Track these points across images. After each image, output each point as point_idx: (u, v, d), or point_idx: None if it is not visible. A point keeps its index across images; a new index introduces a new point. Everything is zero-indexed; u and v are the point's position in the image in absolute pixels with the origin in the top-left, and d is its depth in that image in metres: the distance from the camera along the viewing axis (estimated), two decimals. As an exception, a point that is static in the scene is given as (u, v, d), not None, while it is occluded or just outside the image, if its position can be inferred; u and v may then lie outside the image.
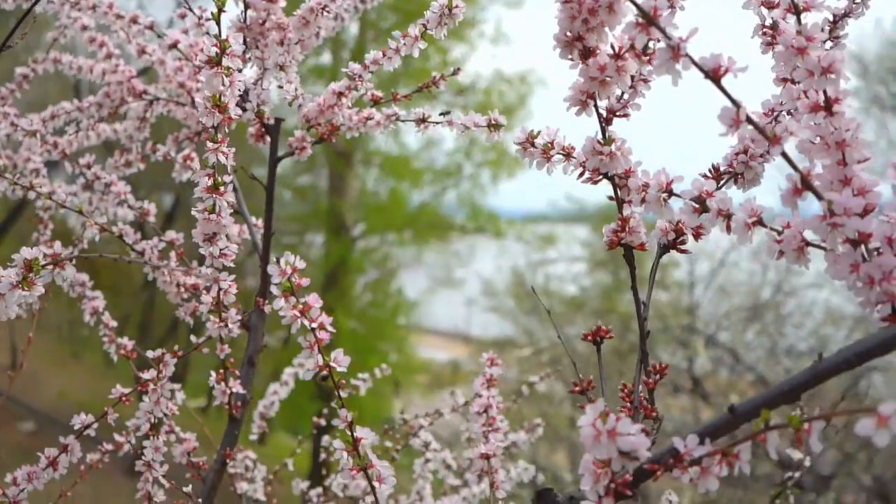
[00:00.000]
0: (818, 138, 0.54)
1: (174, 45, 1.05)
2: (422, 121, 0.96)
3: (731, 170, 0.69)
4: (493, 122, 0.82)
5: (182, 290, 1.03)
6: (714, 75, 0.51)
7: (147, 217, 1.08)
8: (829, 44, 0.72)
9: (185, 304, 1.04)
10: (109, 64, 1.21)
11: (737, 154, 0.69)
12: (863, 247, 0.53)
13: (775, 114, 0.69)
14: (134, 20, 1.11)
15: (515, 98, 10.53)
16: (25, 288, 0.68)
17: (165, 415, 0.98)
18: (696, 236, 0.68)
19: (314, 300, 0.63)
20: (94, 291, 1.12)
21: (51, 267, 0.67)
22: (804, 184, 0.52)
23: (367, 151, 12.27)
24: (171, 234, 1.06)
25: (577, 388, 0.68)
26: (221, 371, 0.97)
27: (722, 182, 0.70)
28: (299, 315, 0.62)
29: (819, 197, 0.52)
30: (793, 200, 0.53)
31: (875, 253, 0.52)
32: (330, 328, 0.63)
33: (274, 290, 0.62)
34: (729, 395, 6.37)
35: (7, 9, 1.19)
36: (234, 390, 0.98)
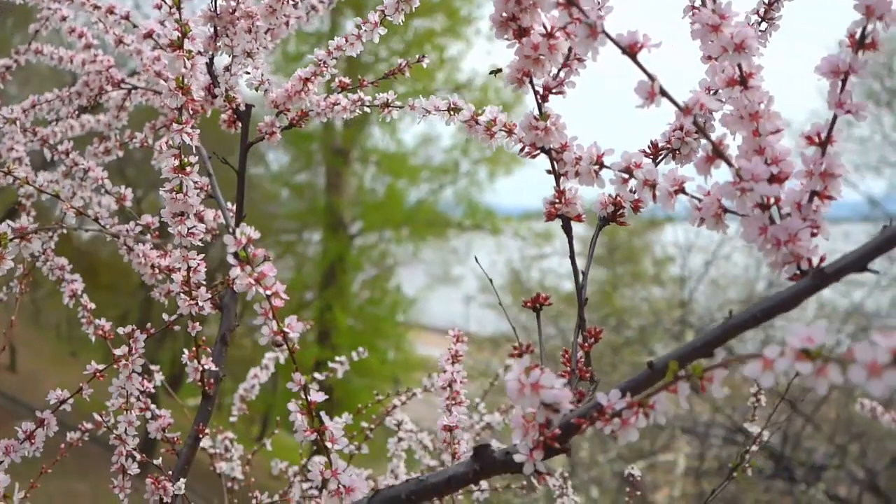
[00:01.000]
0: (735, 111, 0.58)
1: (149, 35, 1.08)
2: (385, 105, 1.00)
3: (668, 146, 0.73)
4: (452, 106, 0.86)
5: (156, 271, 1.06)
6: (630, 51, 0.55)
7: (124, 202, 1.12)
8: (763, 24, 0.76)
9: (160, 284, 1.07)
10: (88, 54, 1.24)
11: (674, 130, 0.72)
12: (775, 211, 0.56)
13: (711, 92, 0.73)
14: (110, 10, 1.14)
15: (511, 94, 10.55)
16: (-5, 261, 0.71)
17: (141, 391, 1.02)
18: (636, 209, 0.71)
19: (269, 269, 0.66)
20: (73, 275, 1.16)
21: (17, 240, 0.71)
22: (716, 152, 0.55)
23: (365, 149, 12.31)
24: (146, 218, 1.09)
25: (516, 353, 0.72)
26: (194, 349, 1.00)
27: (660, 157, 0.73)
28: (254, 283, 0.65)
29: (729, 164, 0.55)
30: (706, 168, 0.56)
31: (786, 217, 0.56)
32: (284, 296, 0.66)
33: (230, 259, 0.65)
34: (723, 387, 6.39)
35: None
36: (206, 367, 1.01)
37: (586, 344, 0.68)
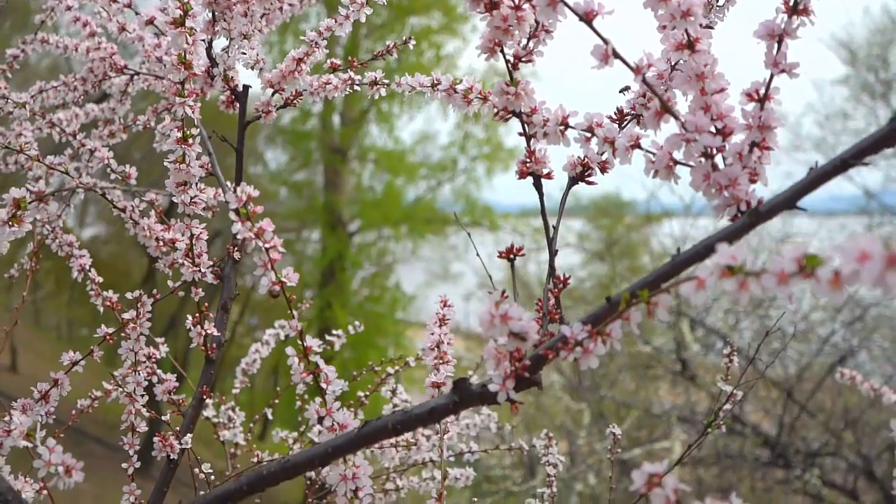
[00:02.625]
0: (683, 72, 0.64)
1: (150, 22, 1.15)
2: (374, 83, 1.06)
3: (633, 111, 0.79)
4: (434, 82, 0.92)
5: (161, 244, 1.12)
6: (587, 18, 0.61)
7: (129, 180, 1.18)
8: (721, 0, 0.82)
9: (164, 256, 1.13)
10: (93, 42, 1.31)
11: (637, 98, 0.79)
12: (720, 161, 0.63)
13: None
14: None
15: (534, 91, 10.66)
16: (14, 223, 0.77)
17: (147, 357, 1.08)
18: (602, 170, 0.77)
19: (267, 224, 0.73)
20: (81, 251, 1.22)
21: (36, 203, 0.77)
22: (664, 107, 0.61)
23: (363, 147, 12.37)
24: (150, 195, 1.15)
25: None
26: (197, 315, 1.06)
27: (626, 122, 0.79)
28: (254, 237, 0.72)
29: (676, 118, 0.61)
30: (655, 122, 0.62)
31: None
32: (281, 249, 0.73)
33: (232, 214, 0.72)
34: (717, 377, 6.48)
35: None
36: (209, 332, 1.08)
37: (556, 290, 0.74)
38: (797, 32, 0.62)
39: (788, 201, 0.57)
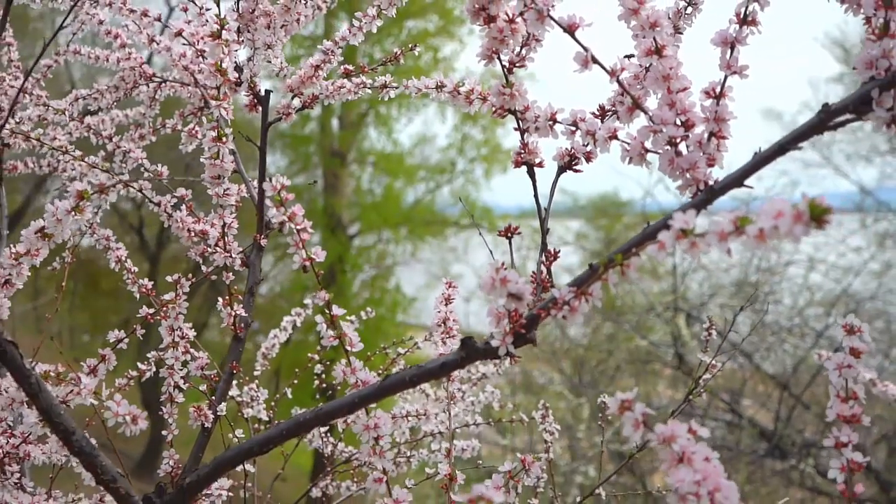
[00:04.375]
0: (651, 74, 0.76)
1: (179, 33, 1.27)
2: (384, 86, 1.18)
3: (612, 108, 0.91)
4: (439, 84, 1.04)
5: (192, 234, 1.24)
6: (570, 30, 0.73)
7: (161, 177, 1.30)
8: (689, 8, 0.94)
9: (195, 245, 1.25)
10: (123, 52, 1.43)
11: (616, 96, 0.90)
12: (683, 148, 0.75)
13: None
14: (144, 14, 1.32)
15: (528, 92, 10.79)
16: (77, 213, 0.89)
17: (182, 335, 1.20)
18: (587, 159, 0.89)
19: (298, 209, 0.84)
20: (118, 243, 1.34)
21: (98, 193, 0.89)
22: (635, 104, 0.73)
23: (361, 151, 12.49)
24: (181, 191, 1.27)
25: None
26: (227, 297, 1.18)
27: (607, 117, 0.91)
28: (287, 220, 0.84)
29: (646, 113, 0.73)
30: (628, 116, 0.74)
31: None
32: (310, 230, 0.85)
33: (268, 201, 0.83)
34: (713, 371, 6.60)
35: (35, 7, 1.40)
36: (238, 314, 1.19)
37: (547, 262, 0.86)
38: (746, 40, 0.74)
39: (737, 181, 0.69)
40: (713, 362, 1.34)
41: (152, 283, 1.25)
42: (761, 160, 0.68)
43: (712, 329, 1.42)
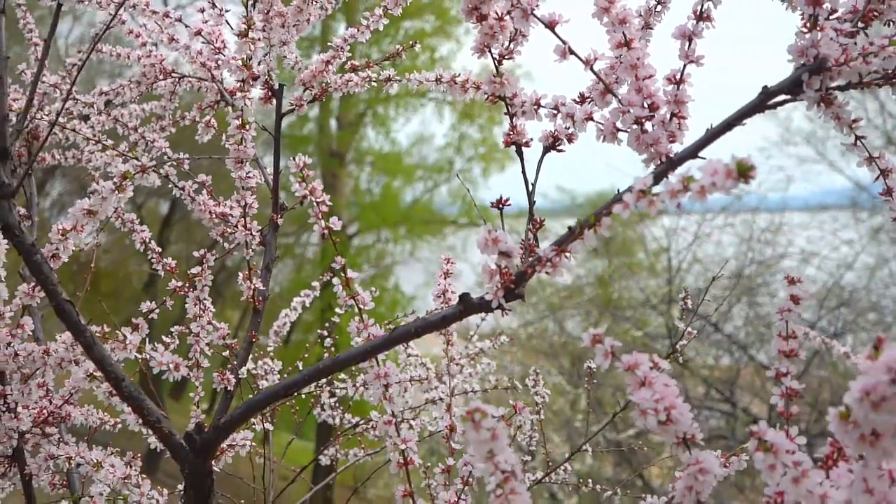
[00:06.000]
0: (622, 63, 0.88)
1: (198, 33, 1.39)
2: (388, 80, 1.30)
3: (591, 95, 1.03)
4: (438, 77, 1.16)
5: (213, 216, 1.36)
6: (551, 25, 0.85)
7: (182, 165, 1.41)
8: (659, 6, 1.06)
9: (216, 226, 1.37)
10: (144, 50, 1.54)
11: (594, 84, 1.02)
12: (649, 126, 0.87)
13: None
14: (166, 15, 1.44)
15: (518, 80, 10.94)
16: (120, 192, 1.01)
17: (204, 308, 1.32)
18: (569, 140, 1.01)
19: (318, 184, 0.97)
20: (142, 226, 1.46)
21: (140, 174, 1.01)
22: (606, 89, 0.86)
23: (359, 151, 12.60)
24: (202, 177, 1.39)
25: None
26: (247, 272, 1.30)
27: (587, 102, 1.03)
28: (308, 194, 0.96)
29: (615, 96, 0.85)
30: (601, 100, 0.86)
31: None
32: (328, 203, 0.97)
33: (292, 178, 0.95)
34: (707, 360, 6.75)
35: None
36: (256, 287, 1.31)
37: (534, 229, 0.98)
38: (702, 33, 0.86)
39: (692, 153, 0.81)
40: (689, 330, 1.46)
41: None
42: (712, 135, 0.80)
43: (688, 300, 1.54)
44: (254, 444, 1.38)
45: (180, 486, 1.41)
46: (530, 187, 1.00)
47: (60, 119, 1.44)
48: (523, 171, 0.99)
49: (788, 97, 0.79)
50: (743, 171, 0.62)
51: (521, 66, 10.38)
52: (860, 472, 0.63)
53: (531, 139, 0.98)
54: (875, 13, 0.82)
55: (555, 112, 0.93)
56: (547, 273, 0.86)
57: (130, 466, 1.10)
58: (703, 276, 7.93)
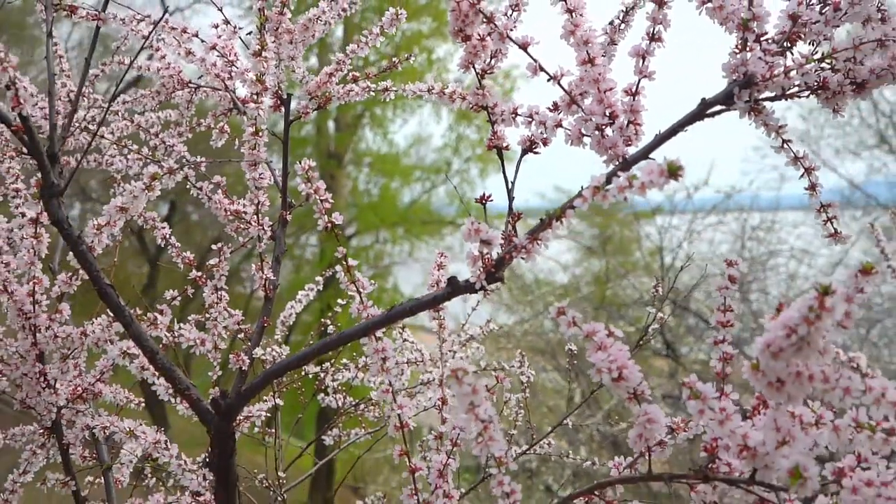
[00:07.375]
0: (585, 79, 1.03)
1: (213, 47, 1.53)
2: (386, 89, 1.45)
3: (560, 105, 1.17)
4: (430, 87, 1.30)
5: (227, 213, 1.50)
6: (523, 46, 0.99)
7: (199, 168, 1.56)
8: (623, 25, 1.20)
9: (230, 223, 1.51)
10: (163, 62, 1.69)
11: (563, 95, 1.17)
12: (609, 132, 1.01)
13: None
14: (184, 30, 1.59)
15: (500, 93, 11.05)
16: (150, 191, 1.15)
17: (220, 297, 1.46)
18: (544, 144, 1.16)
19: (322, 184, 1.11)
20: (163, 223, 1.60)
21: (167, 175, 1.15)
22: (571, 100, 1.00)
23: (357, 152, 12.73)
24: (217, 178, 1.53)
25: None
26: (259, 263, 1.44)
27: (559, 111, 1.17)
28: (313, 193, 1.10)
29: (579, 106, 1.00)
30: (568, 109, 1.01)
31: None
32: (330, 200, 1.11)
33: (298, 177, 1.10)
34: (700, 355, 6.91)
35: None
36: (268, 277, 1.46)
37: (513, 220, 1.12)
38: (654, 52, 1.00)
39: (644, 155, 0.96)
40: (662, 316, 1.60)
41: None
42: (659, 140, 0.94)
43: (659, 287, 1.69)
44: (262, 424, 1.52)
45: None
46: (510, 184, 1.14)
47: (90, 126, 1.58)
48: (503, 171, 1.14)
49: (723, 107, 0.93)
50: (673, 171, 0.76)
51: (518, 67, 10.53)
52: (771, 414, 0.77)
53: (508, 144, 1.12)
54: (799, 35, 0.96)
55: (530, 119, 1.08)
56: (522, 258, 1.00)
57: (159, 433, 1.24)
58: (697, 274, 8.09)
